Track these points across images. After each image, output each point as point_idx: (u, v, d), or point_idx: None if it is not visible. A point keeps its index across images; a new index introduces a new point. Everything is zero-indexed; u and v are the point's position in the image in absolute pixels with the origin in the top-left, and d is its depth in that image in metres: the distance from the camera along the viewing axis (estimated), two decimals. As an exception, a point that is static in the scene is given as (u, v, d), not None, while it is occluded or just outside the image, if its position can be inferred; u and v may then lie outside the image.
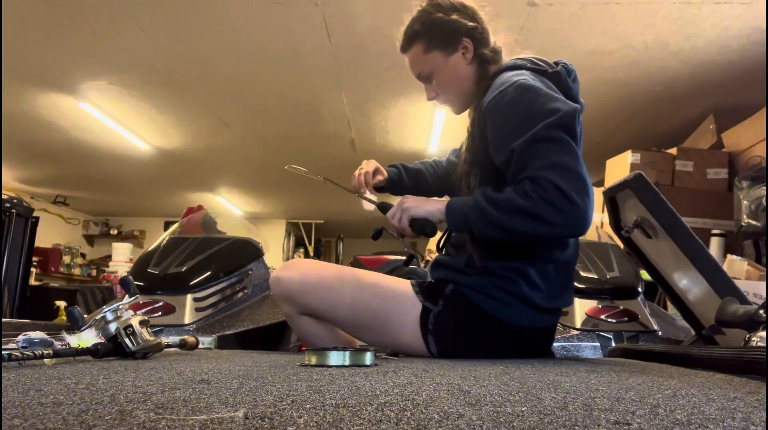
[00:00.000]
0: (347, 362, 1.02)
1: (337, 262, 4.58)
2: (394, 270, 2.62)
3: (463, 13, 1.39)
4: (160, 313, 2.12)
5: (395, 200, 1.44)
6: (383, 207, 1.47)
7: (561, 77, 1.33)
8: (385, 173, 1.63)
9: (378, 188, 1.63)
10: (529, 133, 1.15)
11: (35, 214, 3.60)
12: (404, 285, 1.40)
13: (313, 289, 1.39)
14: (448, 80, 1.41)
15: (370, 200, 1.53)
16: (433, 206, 1.30)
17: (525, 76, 1.25)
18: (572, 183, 1.10)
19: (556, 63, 1.37)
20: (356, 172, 1.59)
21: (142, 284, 2.20)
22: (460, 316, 1.33)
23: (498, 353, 1.34)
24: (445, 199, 1.32)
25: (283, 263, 1.50)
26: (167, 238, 2.57)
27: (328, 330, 1.48)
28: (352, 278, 1.40)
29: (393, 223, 1.35)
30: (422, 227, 1.32)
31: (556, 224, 1.12)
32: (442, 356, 1.35)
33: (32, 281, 5.43)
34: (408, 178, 1.69)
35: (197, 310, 2.18)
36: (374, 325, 1.38)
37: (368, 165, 1.60)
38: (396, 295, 1.37)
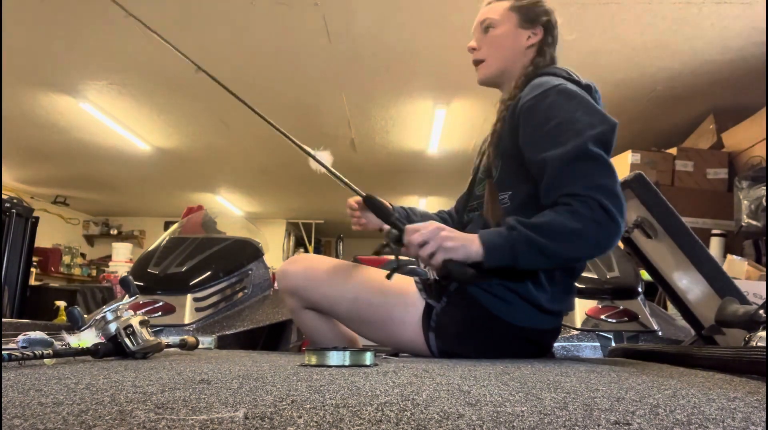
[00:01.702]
0: (347, 362, 1.02)
1: (337, 262, 4.56)
2: (394, 270, 2.61)
3: (549, 14, 1.43)
4: (160, 313, 2.12)
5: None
6: (395, 224, 1.26)
7: (592, 91, 1.34)
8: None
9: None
10: (572, 145, 1.15)
11: (35, 214, 3.60)
12: (408, 282, 1.41)
13: (319, 283, 1.40)
14: (502, 40, 1.40)
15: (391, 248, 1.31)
16: (472, 247, 1.18)
17: (564, 83, 1.27)
18: (616, 205, 1.12)
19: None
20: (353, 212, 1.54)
21: (142, 284, 2.20)
22: (463, 314, 1.34)
23: (499, 352, 1.34)
24: (473, 236, 1.20)
25: (290, 257, 1.51)
26: (167, 238, 2.57)
27: (331, 326, 1.49)
28: (358, 274, 1.41)
29: (422, 255, 1.20)
30: (458, 275, 1.17)
31: (600, 245, 1.13)
32: (442, 354, 1.35)
33: (32, 281, 5.43)
34: (415, 214, 1.62)
35: (197, 310, 2.18)
36: (377, 321, 1.39)
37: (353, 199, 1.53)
38: (400, 292, 1.38)
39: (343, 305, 1.40)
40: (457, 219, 1.62)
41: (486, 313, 1.32)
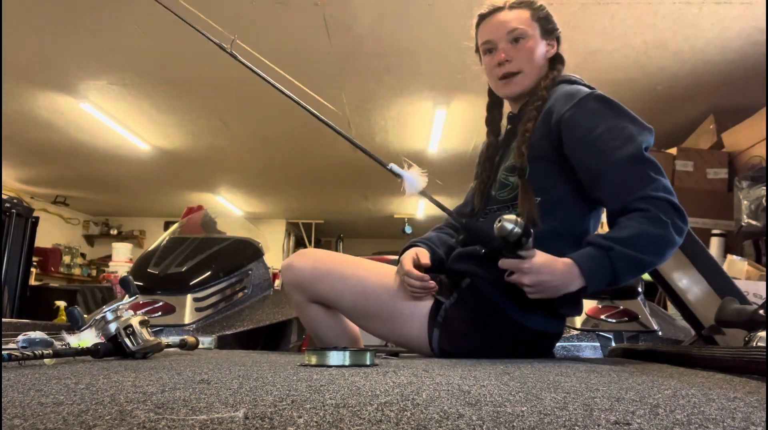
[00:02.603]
0: (347, 362, 1.02)
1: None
2: None
3: (558, 28, 1.47)
4: (160, 313, 2.12)
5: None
6: (505, 245, 1.17)
7: None
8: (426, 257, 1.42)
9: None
10: (630, 150, 1.20)
11: (35, 214, 3.60)
12: None
13: (326, 275, 1.40)
14: (535, 52, 1.39)
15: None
16: (572, 284, 1.18)
17: (595, 90, 1.32)
18: (678, 203, 1.19)
19: None
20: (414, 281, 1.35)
21: (142, 284, 2.20)
22: (473, 312, 1.34)
23: (501, 353, 1.34)
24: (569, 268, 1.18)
25: (295, 252, 1.51)
26: (167, 238, 2.57)
27: (337, 321, 1.49)
28: (366, 268, 1.42)
29: (519, 283, 1.20)
30: (563, 307, 1.27)
31: (677, 244, 1.19)
32: (442, 352, 1.35)
33: (32, 281, 5.42)
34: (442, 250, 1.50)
35: (197, 310, 2.18)
36: (384, 315, 1.39)
37: (408, 260, 1.37)
38: None
39: (350, 297, 1.40)
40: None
41: (499, 313, 1.32)
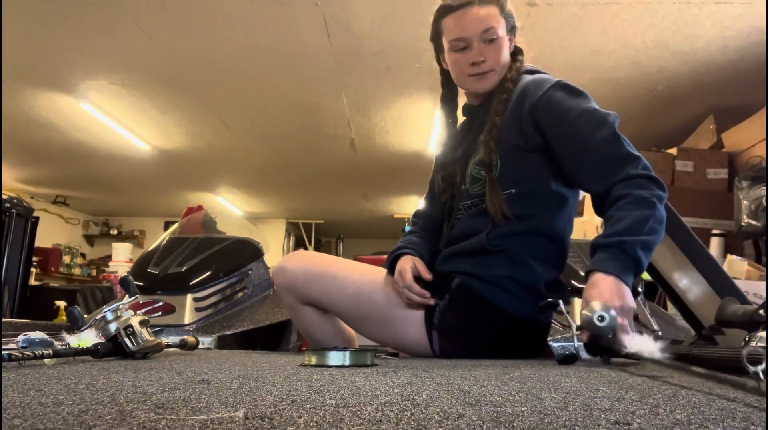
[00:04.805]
0: (347, 362, 1.02)
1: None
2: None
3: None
4: (160, 313, 2.12)
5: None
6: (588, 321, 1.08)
7: None
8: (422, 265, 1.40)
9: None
10: (605, 132, 1.24)
11: (35, 214, 3.60)
12: None
13: (318, 278, 1.40)
14: (504, 49, 1.38)
15: None
16: (619, 287, 1.16)
17: (558, 79, 1.34)
18: (652, 171, 1.23)
19: None
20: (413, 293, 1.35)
21: (142, 284, 2.20)
22: (467, 309, 1.34)
23: (503, 347, 1.35)
24: (604, 278, 1.16)
25: (287, 255, 1.52)
26: (167, 238, 2.57)
27: (331, 323, 1.49)
28: (358, 270, 1.42)
29: (622, 329, 1.11)
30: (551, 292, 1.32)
31: (665, 214, 1.20)
32: (443, 354, 1.36)
33: (32, 281, 5.41)
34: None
35: (197, 310, 2.18)
36: (377, 319, 1.38)
37: (408, 272, 1.35)
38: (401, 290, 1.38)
39: (344, 301, 1.40)
40: (435, 227, 1.56)
41: (491, 306, 1.32)
